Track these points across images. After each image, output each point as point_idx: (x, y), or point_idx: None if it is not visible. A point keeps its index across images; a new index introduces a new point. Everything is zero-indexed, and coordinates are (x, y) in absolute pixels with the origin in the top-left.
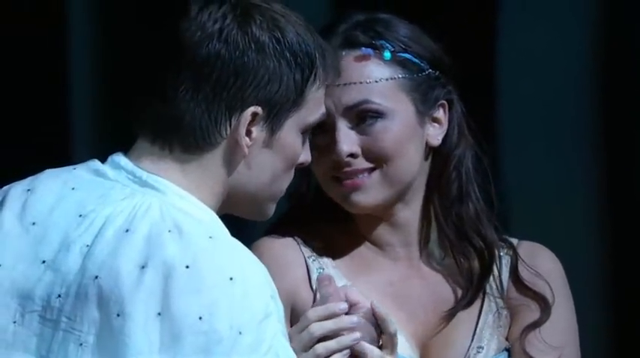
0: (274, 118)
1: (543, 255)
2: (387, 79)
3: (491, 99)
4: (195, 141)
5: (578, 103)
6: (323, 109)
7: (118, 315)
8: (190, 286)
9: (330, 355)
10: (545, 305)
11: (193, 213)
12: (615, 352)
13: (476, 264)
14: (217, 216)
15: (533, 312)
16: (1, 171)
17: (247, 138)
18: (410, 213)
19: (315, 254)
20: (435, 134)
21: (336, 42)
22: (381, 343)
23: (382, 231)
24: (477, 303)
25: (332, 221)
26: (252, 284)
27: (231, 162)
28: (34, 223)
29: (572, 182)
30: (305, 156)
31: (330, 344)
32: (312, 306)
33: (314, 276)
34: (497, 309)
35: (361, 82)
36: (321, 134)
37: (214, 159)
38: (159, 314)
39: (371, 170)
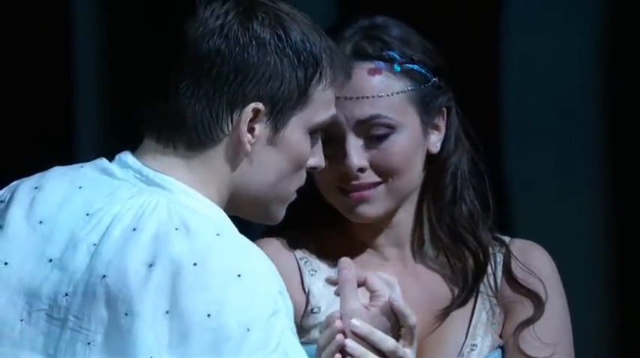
0: (278, 115)
1: (536, 253)
2: (397, 93)
3: (496, 99)
4: (197, 138)
5: (583, 103)
6: (332, 111)
7: (126, 314)
8: (198, 283)
9: None
10: (538, 302)
11: (200, 210)
12: (619, 352)
13: (470, 263)
14: (225, 213)
15: (526, 309)
16: (6, 170)
17: (249, 135)
18: (404, 215)
19: (307, 256)
20: (435, 141)
21: (344, 51)
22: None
23: (376, 233)
24: (471, 301)
25: (326, 223)
26: (260, 281)
27: (234, 159)
28: (41, 222)
29: (576, 182)
30: (317, 160)
31: None
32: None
33: (306, 279)
34: (491, 307)
35: (373, 96)
36: (328, 143)
37: (217, 155)
38: (167, 312)
39: (377, 183)
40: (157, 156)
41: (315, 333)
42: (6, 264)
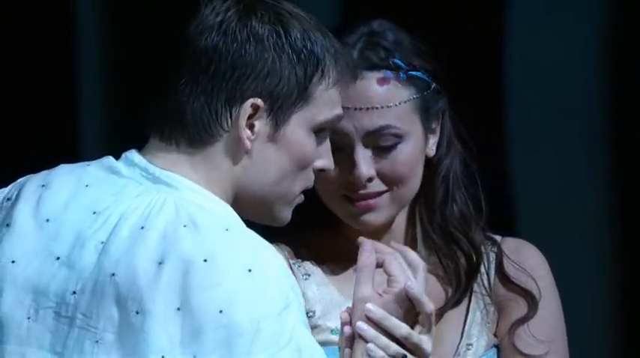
0: (278, 112)
1: (528, 251)
2: (404, 102)
3: (500, 100)
4: (197, 135)
5: (586, 104)
6: (337, 111)
7: (137, 313)
8: (209, 280)
9: None
10: (531, 301)
11: (208, 207)
12: (623, 353)
13: (463, 263)
14: (232, 209)
15: (520, 308)
16: (10, 170)
17: (248, 131)
18: (398, 217)
19: (300, 260)
20: (431, 145)
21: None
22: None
23: (370, 235)
24: (465, 301)
25: (320, 225)
26: (271, 276)
27: (234, 155)
28: (47, 220)
29: (580, 183)
30: (326, 162)
31: None
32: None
33: (300, 284)
34: (485, 306)
35: (382, 107)
36: (336, 152)
37: (218, 152)
38: (178, 309)
39: (383, 192)
40: (162, 154)
41: None
42: (13, 262)
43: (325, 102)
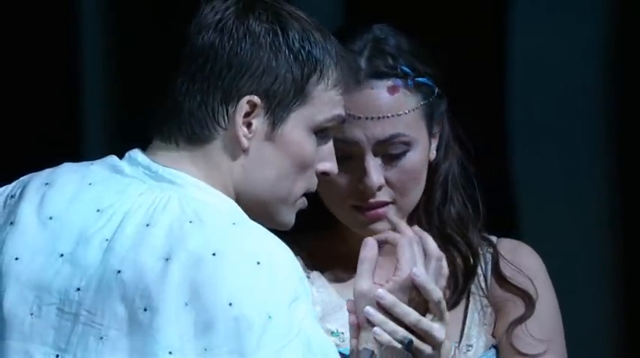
0: (275, 111)
1: (524, 252)
2: (413, 109)
3: (502, 99)
4: (195, 133)
5: (588, 104)
6: (337, 111)
7: (145, 310)
8: (218, 273)
9: None
10: (528, 301)
11: (212, 203)
12: (626, 353)
13: (460, 265)
14: (236, 204)
15: (517, 308)
16: (12, 170)
17: (245, 129)
18: None
19: (299, 261)
20: (432, 149)
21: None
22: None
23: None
24: (463, 302)
25: (319, 227)
26: (280, 268)
27: (232, 153)
28: (51, 218)
29: (582, 183)
30: (330, 165)
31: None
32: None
33: None
34: (482, 307)
35: (393, 115)
36: (345, 161)
37: (217, 150)
38: (186, 304)
39: (390, 202)
40: (164, 153)
41: None
42: (17, 259)
43: (325, 102)
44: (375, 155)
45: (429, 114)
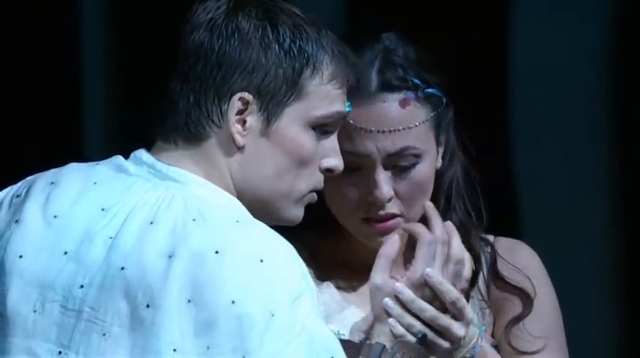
0: (269, 107)
1: (521, 250)
2: (423, 122)
3: (504, 98)
4: (191, 132)
5: (591, 102)
6: (336, 107)
7: (148, 306)
8: (221, 271)
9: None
10: (527, 299)
11: (216, 200)
12: (628, 352)
13: None
14: (240, 202)
15: (515, 307)
16: (13, 170)
17: (239, 126)
18: None
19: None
20: (439, 157)
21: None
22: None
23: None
24: None
25: (318, 227)
26: (283, 265)
27: (229, 151)
28: (55, 216)
29: (584, 181)
30: (334, 161)
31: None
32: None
33: None
34: (480, 309)
35: (404, 128)
36: (355, 172)
37: (213, 148)
38: (189, 301)
39: (397, 215)
40: (166, 153)
41: None
42: (21, 257)
43: (321, 97)
44: (385, 168)
45: (437, 124)
